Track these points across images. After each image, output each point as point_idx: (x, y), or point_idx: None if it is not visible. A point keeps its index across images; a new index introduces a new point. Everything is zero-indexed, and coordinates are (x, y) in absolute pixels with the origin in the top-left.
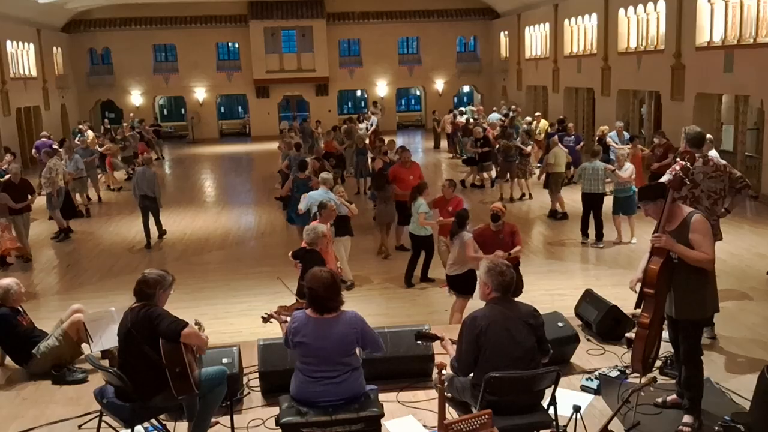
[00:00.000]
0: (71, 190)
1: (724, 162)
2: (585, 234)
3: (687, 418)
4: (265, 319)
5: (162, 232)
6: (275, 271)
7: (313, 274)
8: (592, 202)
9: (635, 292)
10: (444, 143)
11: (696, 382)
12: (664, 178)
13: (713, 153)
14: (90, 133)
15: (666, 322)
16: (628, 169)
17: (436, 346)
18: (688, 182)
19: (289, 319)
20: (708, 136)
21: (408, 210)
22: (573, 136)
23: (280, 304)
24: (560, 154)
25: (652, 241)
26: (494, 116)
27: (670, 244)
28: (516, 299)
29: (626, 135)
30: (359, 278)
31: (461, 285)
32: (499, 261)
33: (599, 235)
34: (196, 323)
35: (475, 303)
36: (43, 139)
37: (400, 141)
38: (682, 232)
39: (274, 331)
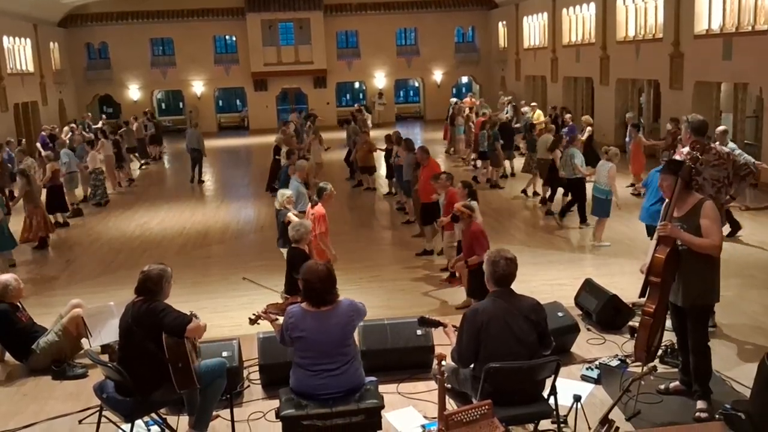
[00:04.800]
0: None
1: (727, 150)
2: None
3: (701, 404)
4: (253, 321)
5: (201, 180)
6: (275, 265)
7: (308, 267)
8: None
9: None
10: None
11: (707, 370)
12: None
13: (732, 145)
14: (65, 129)
15: (669, 311)
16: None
17: (437, 336)
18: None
19: (280, 317)
20: (723, 127)
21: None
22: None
23: (269, 302)
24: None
25: (658, 229)
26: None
27: (676, 233)
28: (519, 292)
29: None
30: (364, 269)
31: None
32: (499, 252)
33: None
34: (192, 315)
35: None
36: (43, 134)
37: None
38: (691, 218)
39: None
